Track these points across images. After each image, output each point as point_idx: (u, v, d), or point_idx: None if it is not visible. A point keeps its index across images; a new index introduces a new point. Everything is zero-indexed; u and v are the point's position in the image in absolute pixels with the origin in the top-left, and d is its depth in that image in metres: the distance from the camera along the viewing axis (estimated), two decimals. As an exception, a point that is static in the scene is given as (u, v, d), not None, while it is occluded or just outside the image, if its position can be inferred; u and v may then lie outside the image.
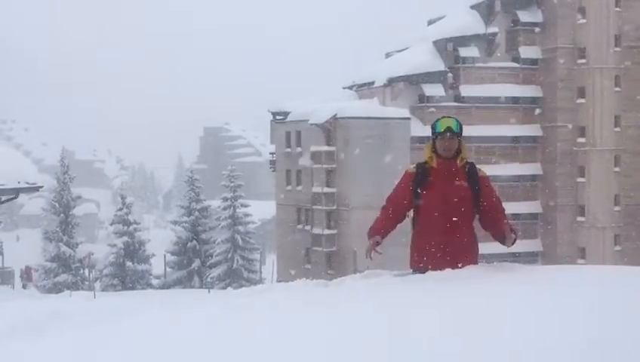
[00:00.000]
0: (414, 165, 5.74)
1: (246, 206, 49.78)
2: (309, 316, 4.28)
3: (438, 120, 5.68)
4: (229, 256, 47.14)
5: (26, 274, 48.85)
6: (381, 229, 5.65)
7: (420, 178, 5.60)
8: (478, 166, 5.76)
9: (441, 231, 5.52)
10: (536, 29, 51.67)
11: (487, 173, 5.79)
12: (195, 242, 47.41)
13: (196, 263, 47.12)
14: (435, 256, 5.53)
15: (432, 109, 47.95)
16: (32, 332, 4.65)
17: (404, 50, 53.41)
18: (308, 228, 49.72)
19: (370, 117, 47.19)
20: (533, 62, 51.78)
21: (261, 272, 49.50)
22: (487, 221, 5.67)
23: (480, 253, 5.75)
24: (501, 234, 5.59)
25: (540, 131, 51.45)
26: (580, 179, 50.52)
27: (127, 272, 44.81)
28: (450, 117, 5.71)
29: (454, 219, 5.50)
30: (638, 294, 4.36)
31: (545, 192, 51.34)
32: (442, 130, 5.55)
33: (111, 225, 49.20)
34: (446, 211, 5.50)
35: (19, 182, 18.95)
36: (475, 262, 5.59)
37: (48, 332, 4.56)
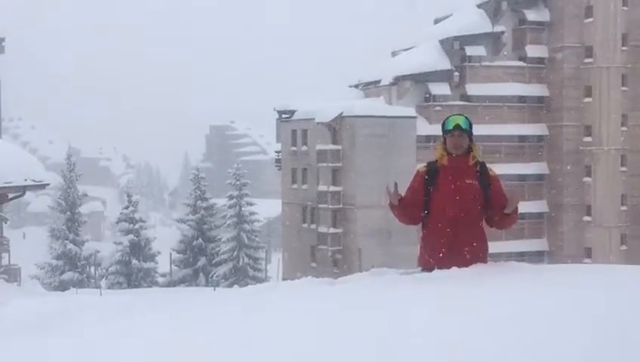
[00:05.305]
0: (425, 164, 5.75)
1: (252, 204, 49.87)
2: (313, 314, 4.29)
3: (447, 117, 5.68)
4: (235, 254, 47.23)
5: None
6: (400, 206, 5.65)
7: (431, 176, 5.61)
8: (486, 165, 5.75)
9: (450, 230, 5.52)
10: (543, 28, 51.57)
11: (493, 172, 5.79)
12: (200, 240, 47.52)
13: (202, 261, 47.22)
14: (444, 255, 5.53)
15: (438, 108, 47.94)
16: (40, 329, 4.67)
17: (410, 48, 53.38)
18: (313, 226, 49.74)
19: (376, 115, 47.18)
20: (540, 61, 51.68)
21: (267, 270, 49.57)
22: (493, 219, 5.66)
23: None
24: (502, 209, 5.57)
25: (546, 130, 51.37)
26: (586, 179, 50.41)
27: (133, 270, 44.93)
28: (459, 114, 5.72)
29: (464, 217, 5.50)
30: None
31: (551, 191, 51.25)
32: (451, 127, 5.56)
33: (117, 223, 49.35)
34: (456, 210, 5.51)
35: (25, 180, 18.99)
36: (485, 261, 5.60)
37: (56, 330, 4.58)
